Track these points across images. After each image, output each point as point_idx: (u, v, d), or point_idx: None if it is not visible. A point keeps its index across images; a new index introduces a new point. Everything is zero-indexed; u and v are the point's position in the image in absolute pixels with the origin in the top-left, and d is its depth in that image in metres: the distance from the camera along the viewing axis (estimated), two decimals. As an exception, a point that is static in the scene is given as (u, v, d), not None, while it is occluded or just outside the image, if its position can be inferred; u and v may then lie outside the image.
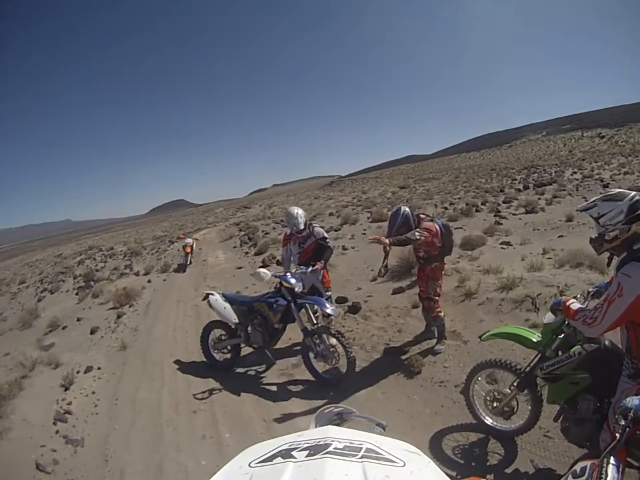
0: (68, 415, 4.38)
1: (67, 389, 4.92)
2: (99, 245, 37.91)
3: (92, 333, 7.35)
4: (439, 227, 4.48)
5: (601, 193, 2.34)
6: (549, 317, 2.75)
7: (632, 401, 1.61)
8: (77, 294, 12.09)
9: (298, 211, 5.33)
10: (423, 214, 4.66)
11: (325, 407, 1.15)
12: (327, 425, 0.99)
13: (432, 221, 4.50)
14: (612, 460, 1.46)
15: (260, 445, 0.77)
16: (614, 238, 2.16)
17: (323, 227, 5.76)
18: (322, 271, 5.36)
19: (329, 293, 5.48)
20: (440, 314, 4.76)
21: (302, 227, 5.26)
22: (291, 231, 5.37)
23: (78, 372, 5.35)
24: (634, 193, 2.16)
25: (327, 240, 5.42)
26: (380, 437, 0.79)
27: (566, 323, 2.60)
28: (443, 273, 4.89)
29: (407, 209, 4.48)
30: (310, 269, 4.98)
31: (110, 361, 5.85)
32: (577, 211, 2.36)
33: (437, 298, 4.74)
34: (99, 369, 5.51)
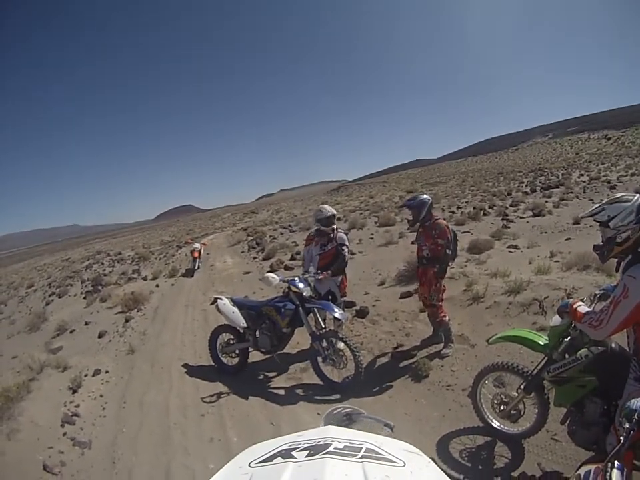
0: (76, 418, 4.39)
1: (74, 391, 4.92)
2: (107, 249, 38.15)
3: (100, 336, 7.39)
4: (450, 230, 4.64)
5: (608, 195, 2.35)
6: (555, 320, 2.75)
7: (637, 402, 1.60)
8: (84, 298, 12.16)
9: (327, 207, 5.30)
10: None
11: (334, 407, 1.13)
12: (336, 425, 1.00)
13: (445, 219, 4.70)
14: (616, 464, 1.45)
15: (260, 444, 0.77)
16: (626, 239, 2.17)
17: (346, 233, 5.68)
18: (341, 277, 5.36)
19: (343, 299, 5.46)
20: (445, 319, 4.77)
21: (326, 216, 5.16)
22: (315, 224, 5.36)
23: (86, 375, 5.36)
24: (638, 195, 2.21)
25: (344, 247, 5.29)
26: (380, 437, 0.80)
27: (572, 325, 2.59)
28: (446, 277, 4.91)
29: (429, 200, 4.68)
30: (320, 276, 4.99)
31: (118, 364, 5.87)
32: (581, 217, 2.36)
33: (439, 303, 4.76)
34: (106, 372, 5.52)
